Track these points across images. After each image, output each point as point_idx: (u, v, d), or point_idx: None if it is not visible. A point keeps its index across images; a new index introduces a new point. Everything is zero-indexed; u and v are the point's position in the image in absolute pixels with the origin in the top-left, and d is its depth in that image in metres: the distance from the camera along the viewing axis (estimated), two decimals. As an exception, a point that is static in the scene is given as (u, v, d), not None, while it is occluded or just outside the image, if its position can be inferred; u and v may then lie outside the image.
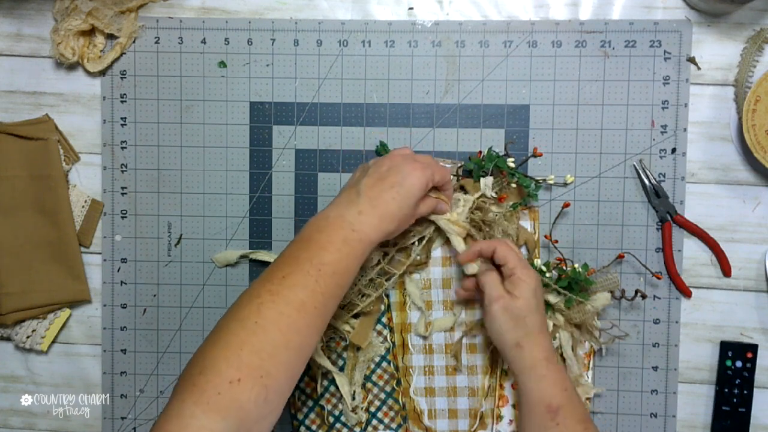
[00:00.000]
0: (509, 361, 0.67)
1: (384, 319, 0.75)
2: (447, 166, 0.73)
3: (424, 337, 0.75)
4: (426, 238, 0.73)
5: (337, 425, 0.75)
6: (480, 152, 0.74)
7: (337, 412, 0.75)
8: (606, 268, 0.73)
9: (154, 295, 0.77)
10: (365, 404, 0.75)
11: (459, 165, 0.74)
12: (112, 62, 0.76)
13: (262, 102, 0.76)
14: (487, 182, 0.72)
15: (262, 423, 0.53)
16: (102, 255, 0.78)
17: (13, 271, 0.76)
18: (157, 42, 0.76)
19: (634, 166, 0.74)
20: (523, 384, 0.66)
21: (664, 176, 0.74)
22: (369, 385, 0.75)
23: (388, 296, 0.75)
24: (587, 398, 0.73)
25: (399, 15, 0.75)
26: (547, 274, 0.71)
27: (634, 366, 0.75)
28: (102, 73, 0.76)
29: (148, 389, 0.78)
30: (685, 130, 0.74)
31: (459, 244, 0.70)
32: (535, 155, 0.74)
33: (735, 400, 0.74)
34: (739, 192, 0.74)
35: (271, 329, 0.54)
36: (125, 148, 0.77)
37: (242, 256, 0.76)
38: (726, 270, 0.74)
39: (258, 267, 0.77)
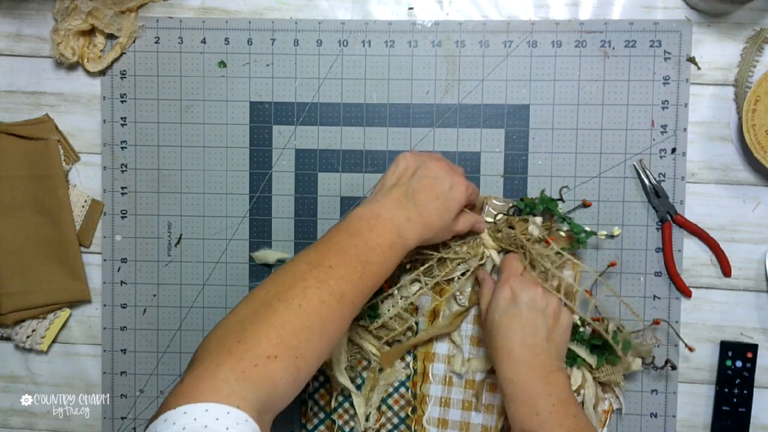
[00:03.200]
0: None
1: None
2: (499, 203, 0.73)
3: (459, 375, 0.74)
4: (469, 272, 0.72)
5: None
6: (535, 198, 0.73)
7: (347, 429, 0.75)
8: (642, 332, 0.72)
9: (154, 295, 0.77)
10: (377, 426, 0.74)
11: (510, 205, 0.73)
12: (112, 62, 0.76)
13: (262, 102, 0.76)
14: (536, 222, 0.70)
15: (284, 400, 0.53)
16: (102, 255, 0.78)
17: (13, 271, 0.76)
18: (157, 42, 0.76)
19: (634, 166, 0.74)
20: (505, 404, 0.65)
21: (664, 176, 0.74)
22: (384, 408, 0.75)
23: (417, 324, 0.75)
24: None
25: (399, 15, 0.76)
26: (581, 329, 0.70)
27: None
28: (102, 73, 0.76)
29: (148, 389, 0.78)
30: (685, 130, 0.74)
31: (496, 257, 0.72)
32: (585, 205, 0.73)
33: (735, 400, 0.74)
34: (739, 192, 0.74)
35: (312, 315, 0.55)
36: (125, 148, 0.77)
37: (279, 260, 0.76)
38: (726, 270, 0.74)
39: (258, 267, 0.77)
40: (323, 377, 0.75)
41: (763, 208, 0.74)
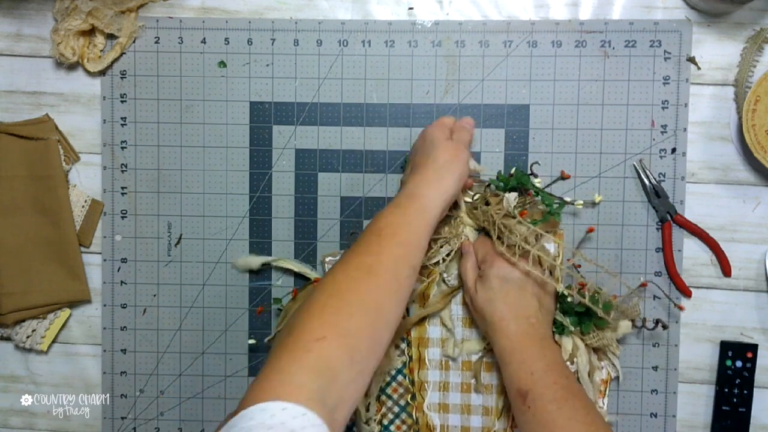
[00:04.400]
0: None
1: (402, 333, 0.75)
2: (475, 183, 0.74)
3: (453, 359, 0.74)
4: (453, 252, 0.73)
5: None
6: (511, 174, 0.73)
7: (349, 423, 0.75)
8: (628, 296, 0.72)
9: (154, 295, 0.77)
10: (378, 416, 0.74)
11: (486, 184, 0.74)
12: (112, 62, 0.76)
13: (262, 102, 0.76)
14: (509, 198, 0.71)
15: (351, 388, 0.53)
16: (102, 255, 0.78)
17: (13, 271, 0.76)
18: (157, 42, 0.76)
19: (634, 166, 0.74)
20: (501, 372, 0.68)
21: (664, 176, 0.74)
22: (383, 397, 0.75)
23: (408, 310, 0.75)
24: None
25: (399, 15, 0.75)
26: (568, 299, 0.71)
27: (634, 366, 0.75)
28: (102, 73, 0.76)
29: (148, 389, 0.78)
30: (685, 130, 0.74)
31: (471, 235, 0.73)
32: (563, 177, 0.74)
33: (735, 400, 0.74)
34: (739, 192, 0.74)
35: (346, 292, 0.57)
36: (125, 148, 0.77)
37: (264, 264, 0.76)
38: (726, 270, 0.74)
39: (258, 267, 0.77)
40: None
41: (763, 208, 0.74)
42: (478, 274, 0.70)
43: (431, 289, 0.74)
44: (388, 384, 0.75)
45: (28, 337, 0.77)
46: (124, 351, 0.78)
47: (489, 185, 0.74)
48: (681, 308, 0.74)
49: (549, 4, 0.74)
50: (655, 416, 0.75)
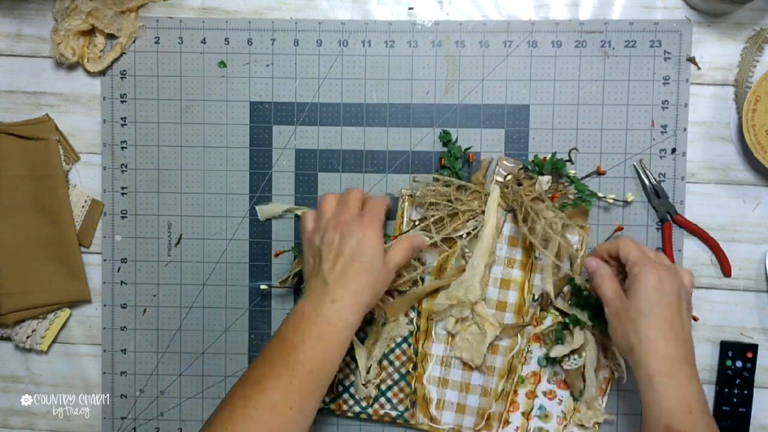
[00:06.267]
0: (631, 366, 0.63)
1: None
2: (509, 164, 0.73)
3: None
4: (477, 229, 0.72)
5: (345, 395, 0.75)
6: (545, 157, 0.73)
7: (347, 383, 0.75)
8: None
9: (154, 295, 0.77)
10: (377, 381, 0.75)
11: (520, 167, 0.73)
12: (112, 62, 0.76)
13: (262, 102, 0.76)
14: (542, 180, 0.71)
15: None
16: (102, 255, 0.78)
17: (13, 271, 0.76)
18: (157, 42, 0.76)
19: (634, 166, 0.74)
20: (642, 396, 0.60)
21: (664, 176, 0.74)
22: (385, 363, 0.75)
23: (423, 280, 0.75)
24: (596, 423, 0.73)
25: (399, 15, 0.76)
26: (585, 293, 0.71)
27: (634, 366, 0.75)
28: (102, 73, 0.76)
29: (148, 389, 0.78)
30: (685, 130, 0.74)
31: (493, 213, 0.71)
32: (598, 173, 0.74)
33: (735, 400, 0.74)
34: (739, 192, 0.74)
35: None
36: (125, 148, 0.77)
37: (287, 210, 0.75)
38: (726, 270, 0.74)
39: (257, 267, 0.76)
40: None
41: (763, 208, 0.74)
42: (627, 282, 0.63)
43: (450, 261, 0.74)
44: (392, 350, 0.75)
45: (28, 337, 0.77)
46: (124, 351, 0.78)
47: (524, 167, 0.73)
48: (695, 318, 0.74)
49: (549, 4, 0.74)
50: (655, 416, 0.75)
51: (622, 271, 0.66)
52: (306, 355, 0.59)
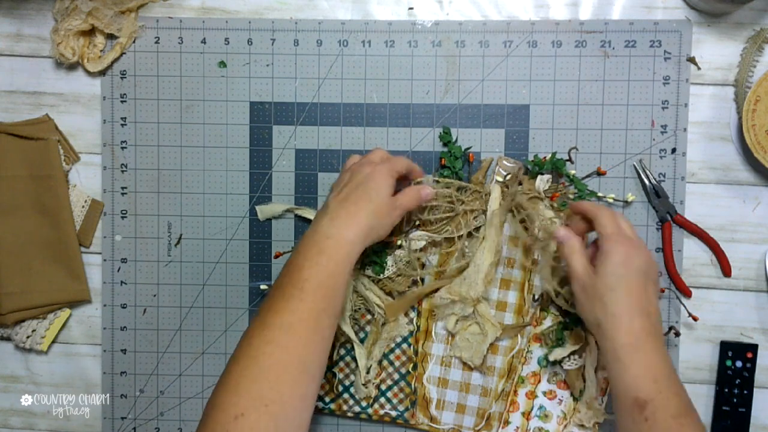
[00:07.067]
0: (597, 341, 0.64)
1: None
2: (509, 164, 0.73)
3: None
4: (481, 228, 0.72)
5: (345, 395, 0.75)
6: (545, 157, 0.73)
7: (347, 383, 0.75)
8: None
9: (154, 295, 0.77)
10: (377, 381, 0.75)
11: (520, 167, 0.73)
12: (112, 62, 0.76)
13: (262, 102, 0.76)
14: (542, 179, 0.72)
15: None
16: (102, 255, 0.78)
17: (13, 271, 0.76)
18: (157, 42, 0.76)
19: (634, 166, 0.74)
20: (609, 371, 0.61)
21: (664, 176, 0.74)
22: (385, 363, 0.75)
23: (423, 280, 0.75)
24: (596, 423, 0.73)
25: (399, 15, 0.76)
26: None
27: (634, 366, 0.75)
28: (102, 73, 0.76)
29: (148, 389, 0.78)
30: (685, 130, 0.74)
31: (495, 205, 0.72)
32: (599, 173, 0.74)
33: (735, 400, 0.74)
34: (739, 192, 0.74)
35: (263, 357, 0.55)
36: (125, 148, 0.77)
37: (287, 210, 0.76)
38: (726, 270, 0.74)
39: (258, 267, 0.77)
40: None
41: (763, 208, 0.74)
42: (597, 256, 0.63)
43: (449, 262, 0.74)
44: (392, 350, 0.75)
45: (28, 337, 0.77)
46: (124, 351, 0.78)
47: (522, 168, 0.74)
48: (695, 318, 0.74)
49: (549, 4, 0.74)
50: (655, 416, 0.75)
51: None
52: (309, 271, 0.59)
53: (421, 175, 0.71)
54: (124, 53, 0.76)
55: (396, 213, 0.66)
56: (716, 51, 0.74)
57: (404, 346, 0.75)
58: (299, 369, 0.56)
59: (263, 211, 0.76)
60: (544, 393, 0.74)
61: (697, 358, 0.75)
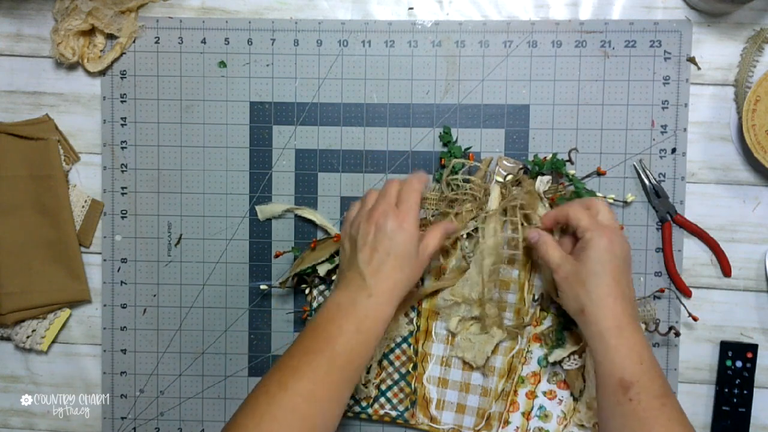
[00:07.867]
0: (580, 328, 0.65)
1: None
2: (509, 164, 0.73)
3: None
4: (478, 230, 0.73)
5: None
6: (545, 157, 0.73)
7: None
8: (645, 299, 0.73)
9: (154, 295, 0.77)
10: (377, 381, 0.75)
11: (520, 167, 0.73)
12: (112, 62, 0.76)
13: (262, 102, 0.76)
14: (542, 180, 0.72)
15: None
16: (102, 255, 0.78)
17: (13, 271, 0.76)
18: (157, 42, 0.76)
19: (634, 166, 0.74)
20: (593, 355, 0.62)
21: (664, 176, 0.74)
22: (385, 363, 0.75)
23: (423, 281, 0.75)
24: (596, 423, 0.73)
25: (399, 15, 0.76)
26: None
27: (634, 366, 0.75)
28: (102, 73, 0.76)
29: (148, 389, 0.78)
30: (685, 130, 0.74)
31: (495, 203, 0.72)
32: (599, 173, 0.74)
33: (735, 400, 0.74)
34: (739, 192, 0.74)
35: (280, 421, 0.56)
36: (125, 148, 0.77)
37: (287, 210, 0.76)
38: (726, 270, 0.74)
39: (258, 267, 0.77)
40: None
41: (763, 208, 0.74)
42: (578, 246, 0.65)
43: (450, 263, 0.74)
44: (392, 350, 0.75)
45: (28, 337, 0.77)
46: (124, 351, 0.78)
47: (522, 168, 0.74)
48: (695, 318, 0.74)
49: (549, 4, 0.74)
50: (655, 416, 0.75)
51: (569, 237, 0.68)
52: (343, 347, 0.60)
53: (425, 179, 0.69)
54: (124, 53, 0.76)
55: (425, 264, 0.67)
56: (716, 51, 0.74)
57: (404, 346, 0.75)
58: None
59: (263, 211, 0.76)
60: (544, 393, 0.74)
61: (697, 358, 0.75)
